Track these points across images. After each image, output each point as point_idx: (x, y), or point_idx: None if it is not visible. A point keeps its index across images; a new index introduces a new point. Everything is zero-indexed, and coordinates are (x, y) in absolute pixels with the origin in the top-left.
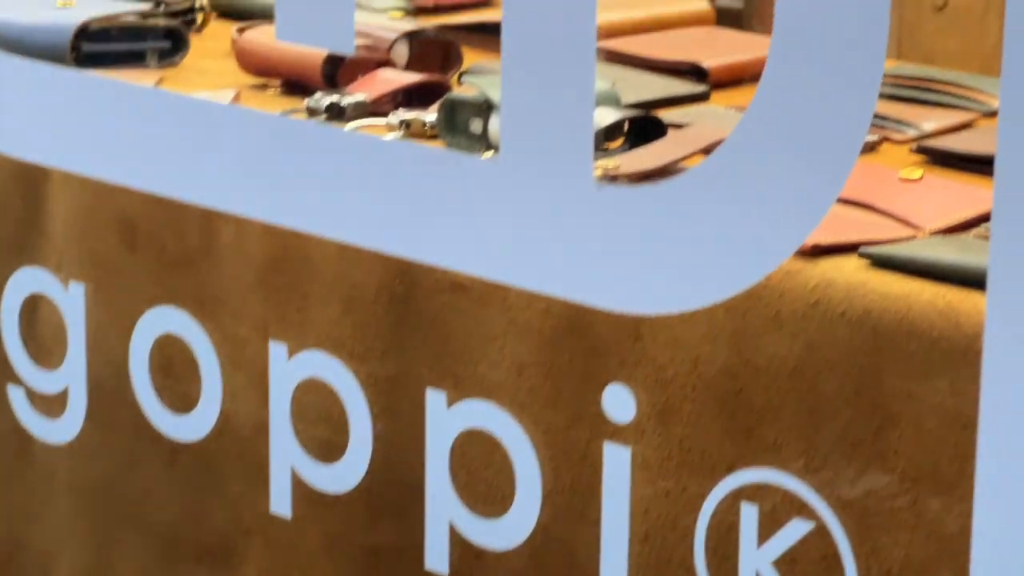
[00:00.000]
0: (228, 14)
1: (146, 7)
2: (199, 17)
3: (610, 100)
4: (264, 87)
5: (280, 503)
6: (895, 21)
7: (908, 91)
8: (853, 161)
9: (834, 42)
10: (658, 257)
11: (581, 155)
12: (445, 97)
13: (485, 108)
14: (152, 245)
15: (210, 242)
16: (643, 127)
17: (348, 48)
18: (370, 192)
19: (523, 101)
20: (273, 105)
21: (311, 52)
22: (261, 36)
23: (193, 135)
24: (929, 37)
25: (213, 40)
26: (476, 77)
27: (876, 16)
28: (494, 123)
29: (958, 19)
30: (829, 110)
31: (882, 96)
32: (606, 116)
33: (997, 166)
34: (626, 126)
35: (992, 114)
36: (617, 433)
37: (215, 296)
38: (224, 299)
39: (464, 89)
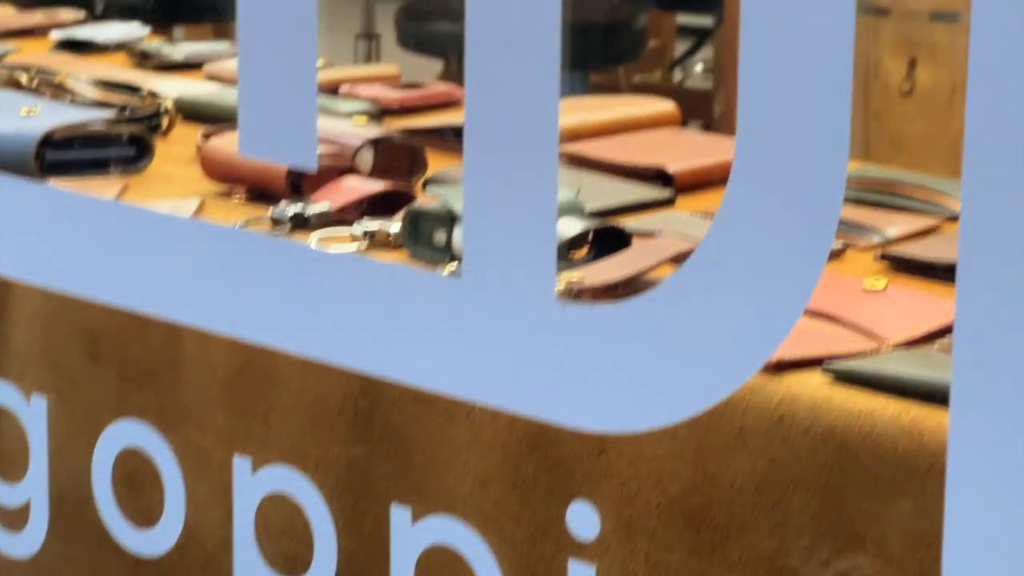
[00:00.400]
0: (194, 117)
1: (110, 114)
2: (164, 121)
3: (574, 210)
4: (229, 194)
5: None
6: (862, 106)
7: (872, 195)
8: (818, 276)
9: (797, 156)
10: (622, 376)
11: (544, 273)
12: (408, 208)
13: (448, 219)
14: (115, 357)
15: (174, 353)
16: (608, 235)
17: (311, 164)
18: (333, 307)
19: (484, 218)
20: (238, 214)
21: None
22: (226, 144)
23: (155, 248)
24: (896, 122)
25: (179, 145)
26: (439, 188)
27: (835, 140)
28: (458, 234)
29: (925, 104)
30: (793, 225)
31: (847, 200)
32: (570, 227)
33: (959, 279)
34: (591, 235)
35: (956, 218)
36: (582, 550)
37: (179, 408)
38: (188, 411)
39: (428, 199)
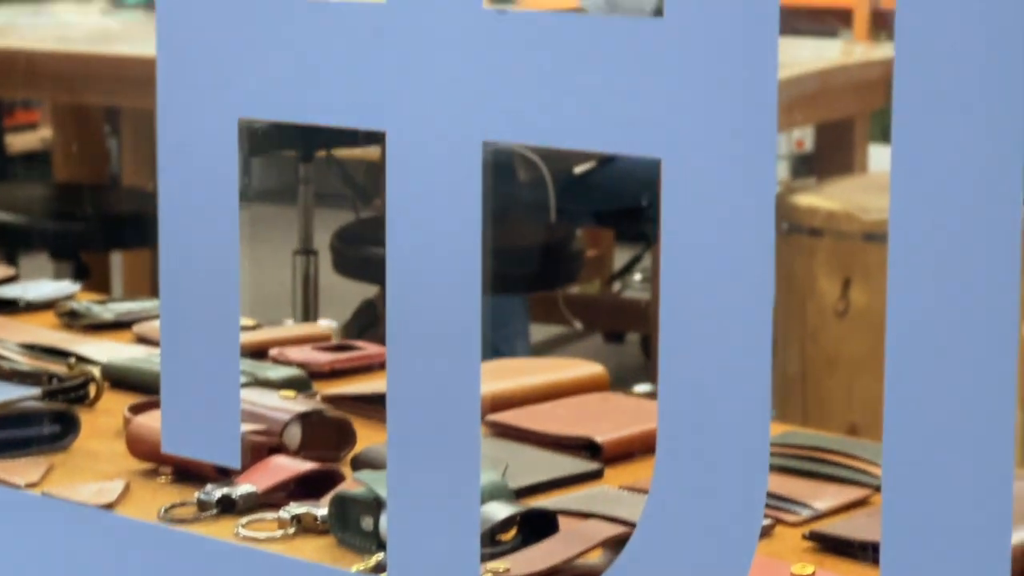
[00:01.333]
0: (121, 384)
1: (36, 391)
2: (91, 390)
3: (500, 492)
4: (155, 472)
5: None
6: (798, 326)
7: (799, 462)
8: (746, 571)
9: (719, 435)
10: None
11: (467, 569)
12: (335, 493)
13: (375, 506)
14: None
15: None
16: (536, 517)
17: (234, 463)
18: None
19: (408, 510)
20: (164, 495)
21: None
22: (152, 422)
23: (76, 543)
24: (832, 341)
25: (106, 415)
26: (365, 473)
27: (758, 426)
28: (384, 521)
29: (860, 323)
30: (719, 516)
31: (773, 469)
32: (496, 511)
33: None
34: (518, 518)
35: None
36: None
37: None
38: None
39: (354, 484)
